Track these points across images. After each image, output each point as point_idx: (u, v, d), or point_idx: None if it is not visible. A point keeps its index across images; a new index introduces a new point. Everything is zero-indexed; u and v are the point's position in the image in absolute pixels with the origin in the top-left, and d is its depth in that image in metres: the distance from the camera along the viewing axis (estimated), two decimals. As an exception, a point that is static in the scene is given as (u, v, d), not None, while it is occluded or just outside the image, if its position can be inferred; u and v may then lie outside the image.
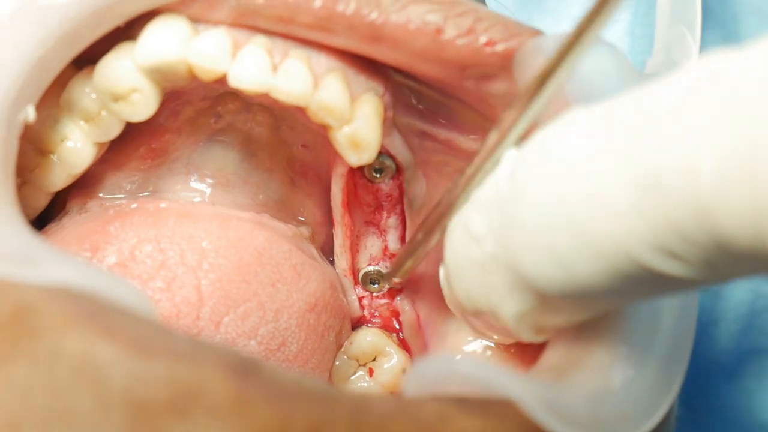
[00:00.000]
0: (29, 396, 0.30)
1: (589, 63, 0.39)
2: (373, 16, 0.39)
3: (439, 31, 0.39)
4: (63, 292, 0.31)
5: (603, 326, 0.37)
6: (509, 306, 0.36)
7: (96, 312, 0.31)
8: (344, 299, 0.48)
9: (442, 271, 0.42)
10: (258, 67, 0.40)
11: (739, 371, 0.67)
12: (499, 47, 0.40)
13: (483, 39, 0.40)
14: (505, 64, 0.40)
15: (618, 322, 0.37)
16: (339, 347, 0.48)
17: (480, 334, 0.44)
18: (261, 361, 0.32)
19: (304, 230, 0.47)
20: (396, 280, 0.45)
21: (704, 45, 0.65)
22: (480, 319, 0.40)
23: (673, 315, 0.38)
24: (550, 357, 0.38)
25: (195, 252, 0.43)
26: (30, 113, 0.37)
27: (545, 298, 0.35)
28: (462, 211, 0.39)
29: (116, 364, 0.30)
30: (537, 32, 0.41)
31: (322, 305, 0.45)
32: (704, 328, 0.66)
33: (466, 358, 0.36)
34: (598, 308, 0.36)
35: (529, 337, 0.38)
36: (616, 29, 0.63)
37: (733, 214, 0.28)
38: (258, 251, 0.44)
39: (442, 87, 0.43)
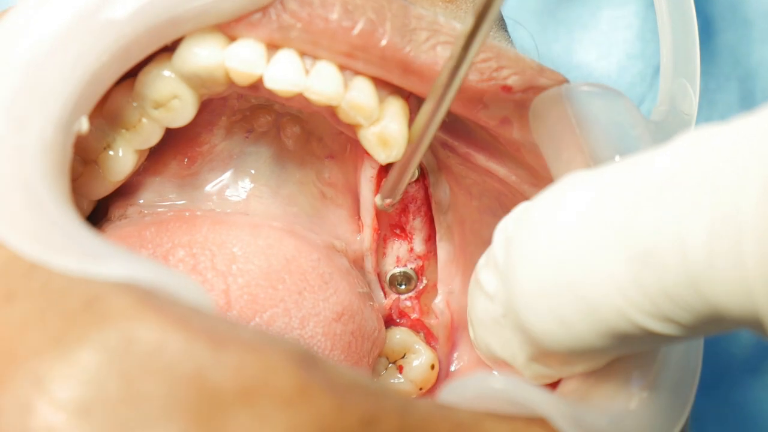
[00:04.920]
0: (101, 382, 0.31)
1: (599, 111, 0.41)
2: (406, 50, 0.41)
3: None
4: (130, 286, 0.33)
5: None
6: (521, 358, 0.39)
7: (165, 303, 0.33)
8: (375, 314, 0.49)
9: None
10: (292, 69, 0.41)
11: (761, 366, 0.68)
12: (516, 96, 0.42)
13: (502, 85, 0.42)
14: (521, 111, 0.43)
15: None
16: (375, 357, 0.49)
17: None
18: (319, 355, 0.34)
19: (337, 242, 0.49)
20: (386, 201, 0.46)
21: (714, 51, 0.67)
22: (498, 366, 0.42)
23: None
24: (568, 384, 0.40)
25: (225, 257, 0.44)
26: (84, 124, 0.38)
27: (554, 353, 0.37)
28: (478, 266, 0.41)
29: (188, 353, 0.31)
30: (558, 81, 0.43)
31: (349, 315, 0.46)
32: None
33: (500, 376, 0.38)
34: (602, 360, 0.38)
35: (541, 381, 0.41)
36: (627, 35, 0.64)
37: (723, 286, 0.30)
38: (287, 259, 0.46)
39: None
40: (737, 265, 0.30)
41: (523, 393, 0.36)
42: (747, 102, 0.67)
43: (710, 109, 0.66)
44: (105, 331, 0.32)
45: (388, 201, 0.46)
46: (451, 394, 0.37)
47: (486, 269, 0.40)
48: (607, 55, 0.64)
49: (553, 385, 0.42)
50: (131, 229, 0.45)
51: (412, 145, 0.43)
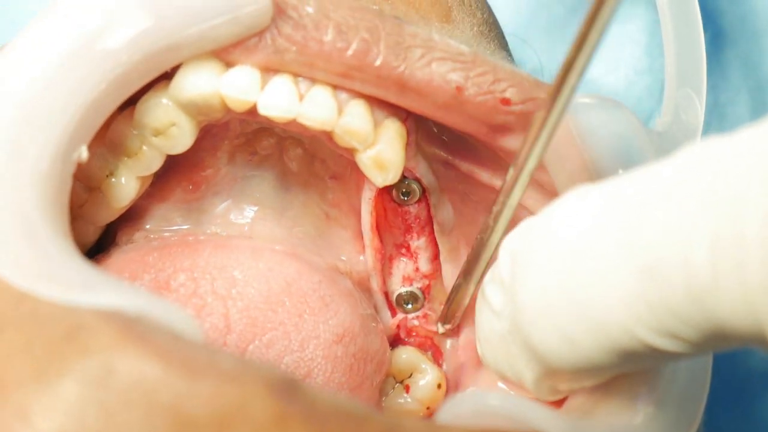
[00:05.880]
0: (80, 412, 0.32)
1: (600, 122, 0.42)
2: (401, 69, 0.41)
3: (459, 89, 0.42)
4: (115, 315, 0.33)
5: None
6: (527, 374, 0.39)
7: (146, 334, 0.33)
8: (380, 335, 0.49)
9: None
10: (285, 96, 0.42)
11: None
12: (516, 108, 0.43)
13: (500, 98, 0.42)
14: (521, 122, 0.43)
15: None
16: (381, 379, 0.49)
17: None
18: (300, 381, 0.34)
19: (341, 264, 0.49)
20: (445, 327, 0.48)
21: (725, 63, 0.67)
22: (507, 381, 0.42)
23: None
24: (575, 400, 0.40)
25: (226, 281, 0.45)
26: (83, 153, 0.39)
27: (560, 370, 0.37)
28: (485, 281, 0.41)
29: (164, 383, 0.32)
30: None
31: (350, 338, 0.46)
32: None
33: (498, 392, 0.38)
34: (608, 376, 0.38)
35: (549, 398, 0.40)
36: (635, 50, 0.64)
37: (727, 302, 0.30)
38: (287, 282, 0.46)
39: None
40: (741, 282, 0.29)
41: (521, 409, 0.36)
42: (758, 114, 0.66)
43: (721, 121, 0.65)
44: (86, 362, 0.32)
45: (447, 327, 0.48)
46: (448, 411, 0.37)
47: (492, 285, 0.40)
48: (614, 70, 0.64)
49: (560, 402, 0.41)
50: (134, 254, 0.46)
51: (467, 264, 0.43)
